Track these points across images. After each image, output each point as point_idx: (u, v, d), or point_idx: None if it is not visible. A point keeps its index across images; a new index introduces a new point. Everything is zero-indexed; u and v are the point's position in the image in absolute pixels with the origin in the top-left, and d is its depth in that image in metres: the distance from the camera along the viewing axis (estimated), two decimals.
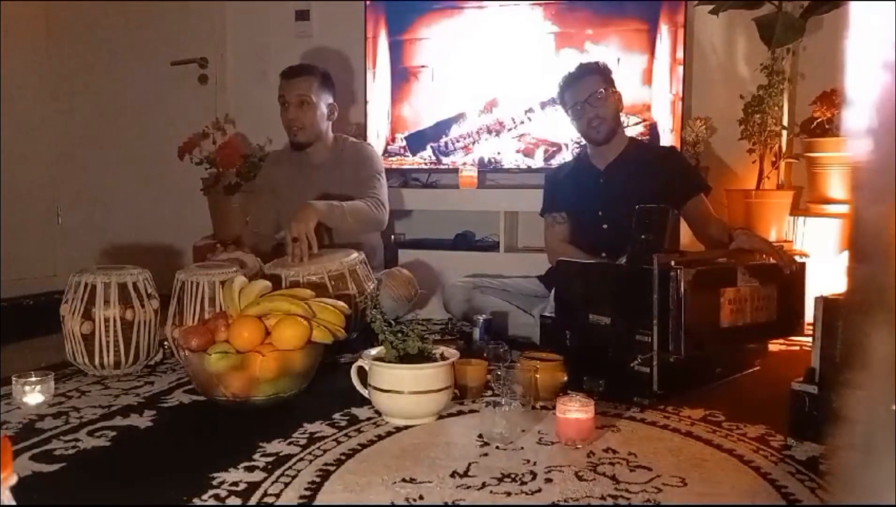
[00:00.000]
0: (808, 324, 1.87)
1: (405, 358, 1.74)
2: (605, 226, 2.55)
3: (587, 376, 1.98)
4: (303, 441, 1.62)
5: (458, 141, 3.33)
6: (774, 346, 2.39)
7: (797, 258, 2.29)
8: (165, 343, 2.31)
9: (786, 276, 2.11)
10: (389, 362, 1.74)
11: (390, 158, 3.38)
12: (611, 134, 2.55)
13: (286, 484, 1.40)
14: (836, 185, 2.88)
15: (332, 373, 2.07)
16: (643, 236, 1.99)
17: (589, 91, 2.51)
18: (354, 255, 2.47)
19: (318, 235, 2.48)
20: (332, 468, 1.47)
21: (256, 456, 1.53)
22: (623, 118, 3.12)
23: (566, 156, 3.09)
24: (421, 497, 1.34)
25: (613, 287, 2.01)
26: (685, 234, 2.83)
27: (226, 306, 2.00)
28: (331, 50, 3.65)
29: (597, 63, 2.61)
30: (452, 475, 1.43)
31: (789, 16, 2.84)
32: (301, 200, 2.79)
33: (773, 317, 2.07)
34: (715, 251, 2.26)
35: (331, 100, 2.82)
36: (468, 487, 1.38)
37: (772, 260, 2.13)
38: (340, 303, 2.04)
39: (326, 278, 2.35)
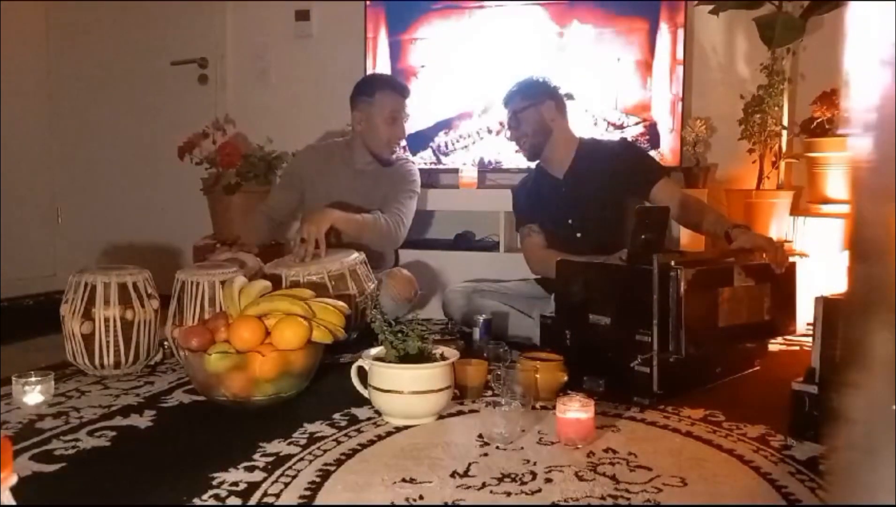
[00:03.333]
0: (808, 324, 1.87)
1: (405, 358, 1.74)
2: (578, 235, 2.54)
3: (587, 376, 1.98)
4: (303, 441, 1.62)
5: (458, 141, 3.33)
6: (774, 346, 2.39)
7: (795, 258, 2.28)
8: (165, 343, 2.31)
9: (778, 275, 2.11)
10: (389, 362, 1.74)
11: None
12: (537, 148, 2.59)
13: (286, 484, 1.40)
14: (836, 185, 2.89)
15: (332, 373, 2.07)
16: (643, 236, 1.99)
17: (508, 115, 2.60)
18: (355, 255, 2.47)
19: (325, 237, 2.48)
20: (332, 468, 1.47)
21: (256, 456, 1.53)
22: (622, 117, 3.15)
23: None
24: (421, 497, 1.33)
25: (613, 287, 2.01)
26: (685, 233, 2.83)
27: (226, 306, 2.00)
28: (331, 50, 3.65)
29: (517, 84, 2.63)
30: (452, 475, 1.43)
31: (789, 16, 2.84)
32: (335, 197, 2.75)
33: (767, 316, 2.08)
34: (714, 251, 2.25)
35: None
36: (468, 487, 1.38)
37: (765, 258, 2.12)
38: (340, 303, 2.04)
39: (327, 277, 2.36)
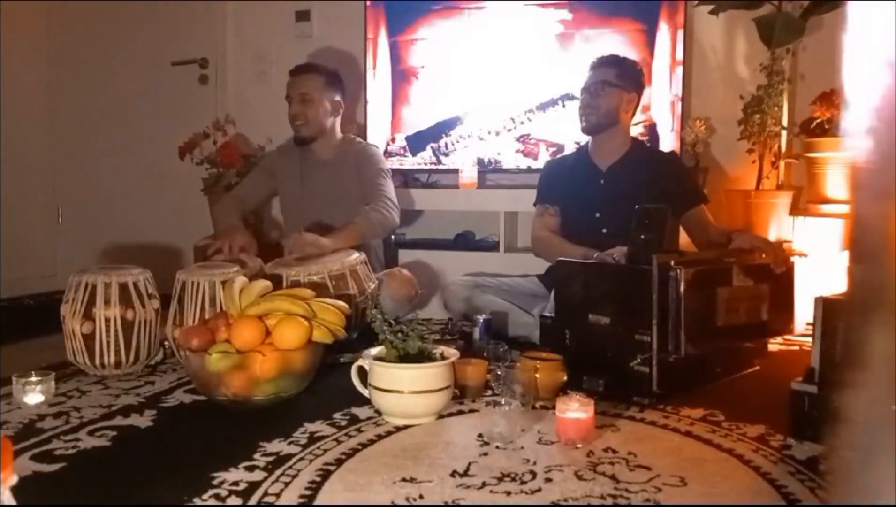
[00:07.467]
0: (808, 324, 1.87)
1: (405, 358, 1.74)
2: (604, 230, 2.51)
3: (587, 376, 1.97)
4: (303, 441, 1.62)
5: (458, 141, 3.33)
6: (774, 346, 2.39)
7: (794, 258, 2.29)
8: (166, 343, 2.31)
9: (777, 275, 2.11)
10: (389, 362, 1.74)
11: (390, 158, 3.37)
12: (598, 128, 2.55)
13: (286, 484, 1.40)
14: (835, 185, 2.88)
15: (332, 373, 2.07)
16: (643, 236, 1.99)
17: (593, 80, 2.53)
18: (355, 255, 2.47)
19: (323, 234, 2.57)
20: (332, 468, 1.47)
21: (257, 456, 1.54)
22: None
23: None
24: (421, 497, 1.34)
25: (613, 287, 2.01)
26: (683, 234, 2.83)
27: (226, 305, 2.00)
28: (331, 50, 3.65)
29: (620, 58, 2.59)
30: (452, 475, 1.43)
31: (789, 16, 2.84)
32: (303, 193, 2.85)
33: (765, 316, 2.08)
34: (713, 251, 2.26)
35: (336, 97, 2.89)
36: (468, 487, 1.38)
37: (764, 258, 2.12)
38: (341, 303, 2.04)
39: (327, 277, 2.36)
